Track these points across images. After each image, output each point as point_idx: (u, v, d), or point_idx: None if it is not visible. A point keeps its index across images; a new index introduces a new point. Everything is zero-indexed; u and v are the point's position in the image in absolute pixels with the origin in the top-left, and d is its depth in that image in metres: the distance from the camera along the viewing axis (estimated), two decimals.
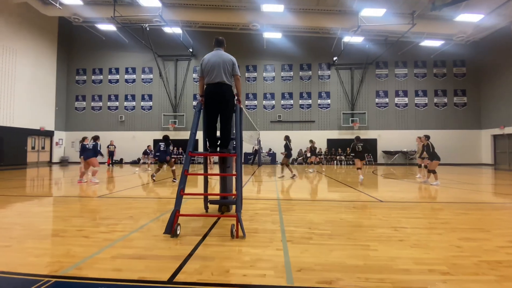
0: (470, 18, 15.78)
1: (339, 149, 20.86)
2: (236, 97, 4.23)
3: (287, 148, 10.99)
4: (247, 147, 19.57)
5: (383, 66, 21.40)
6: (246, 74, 21.92)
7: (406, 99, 21.14)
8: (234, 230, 3.30)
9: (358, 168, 9.47)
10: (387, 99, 21.28)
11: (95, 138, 9.28)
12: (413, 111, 21.01)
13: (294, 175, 10.84)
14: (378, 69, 21.44)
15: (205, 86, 4.09)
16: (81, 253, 2.80)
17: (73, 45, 22.71)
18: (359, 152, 9.40)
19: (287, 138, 11.09)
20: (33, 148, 19.62)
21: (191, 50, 21.51)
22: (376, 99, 21.36)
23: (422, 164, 10.63)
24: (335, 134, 21.42)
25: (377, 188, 8.34)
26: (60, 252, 2.84)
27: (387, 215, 4.50)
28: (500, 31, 18.05)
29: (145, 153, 16.21)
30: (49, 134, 20.92)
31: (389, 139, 20.84)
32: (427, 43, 19.27)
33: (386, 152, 20.83)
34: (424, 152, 9.37)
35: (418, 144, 10.68)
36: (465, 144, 20.44)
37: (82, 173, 8.97)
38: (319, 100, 21.59)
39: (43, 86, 20.22)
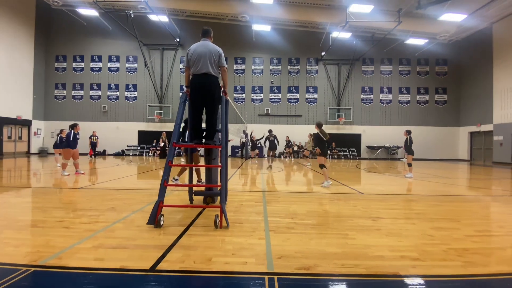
0: (453, 18, 16.26)
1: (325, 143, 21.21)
2: (222, 89, 4.22)
3: (269, 141, 11.96)
4: (235, 140, 19.55)
5: (369, 63, 21.77)
6: (235, 66, 21.73)
7: (390, 95, 21.68)
8: (218, 220, 3.35)
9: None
10: (372, 95, 21.75)
11: (72, 127, 8.74)
12: (396, 107, 21.61)
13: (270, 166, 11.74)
14: (364, 66, 21.80)
15: (191, 77, 4.05)
16: (61, 243, 2.76)
17: (52, 30, 21.61)
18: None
19: (269, 132, 11.74)
20: (9, 138, 18.75)
21: (178, 39, 21.01)
22: (362, 95, 21.78)
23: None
24: None
25: (359, 181, 8.60)
26: (39, 243, 2.80)
27: (366, 206, 4.69)
28: (481, 32, 18.72)
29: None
30: (27, 124, 20.03)
31: (372, 134, 21.40)
32: (412, 41, 19.74)
33: (369, 147, 21.40)
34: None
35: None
36: (444, 140, 21.31)
37: (64, 165, 8.60)
38: (306, 95, 21.77)
39: (19, 73, 19.20)
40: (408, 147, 9.39)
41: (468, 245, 2.91)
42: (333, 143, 20.72)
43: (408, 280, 2.15)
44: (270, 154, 12.30)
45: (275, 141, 12.28)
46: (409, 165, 9.42)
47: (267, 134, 12.75)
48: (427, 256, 2.58)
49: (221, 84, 4.23)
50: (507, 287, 2.19)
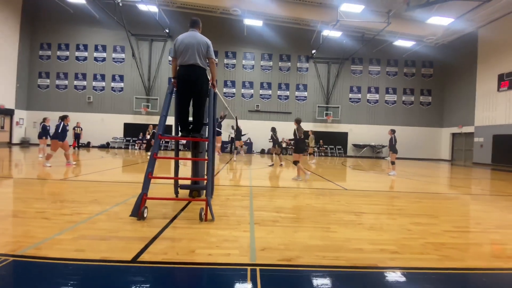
0: (440, 21, 16.66)
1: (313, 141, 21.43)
2: (210, 82, 4.18)
3: (273, 139, 11.35)
4: (224, 136, 19.42)
5: (358, 62, 22.07)
6: (225, 60, 21.53)
7: (377, 95, 22.10)
8: (203, 213, 3.34)
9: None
10: (359, 95, 22.09)
11: (62, 118, 8.43)
12: (382, 107, 22.06)
13: (273, 164, 11.34)
14: (354, 65, 22.09)
15: (177, 68, 3.98)
16: (41, 233, 2.70)
17: (38, 17, 20.70)
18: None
19: (273, 130, 11.33)
20: None
21: (167, 31, 20.58)
22: (350, 94, 22.09)
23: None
24: (309, 127, 21.87)
25: (344, 178, 8.77)
26: (19, 233, 2.73)
27: (349, 202, 4.79)
28: (466, 36, 19.28)
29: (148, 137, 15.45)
30: (9, 113, 19.21)
31: (359, 133, 21.79)
32: (400, 43, 20.12)
33: (355, 145, 21.80)
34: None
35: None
36: (427, 140, 21.97)
37: (49, 156, 8.25)
38: (296, 92, 21.88)
39: (3, 60, 18.34)
40: (392, 146, 9.63)
41: (446, 240, 3.03)
42: (321, 141, 21.01)
43: (386, 272, 2.22)
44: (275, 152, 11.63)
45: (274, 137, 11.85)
46: (393, 163, 9.69)
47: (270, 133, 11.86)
48: (405, 250, 2.67)
49: (209, 76, 4.19)
50: (482, 281, 2.29)
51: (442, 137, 22.05)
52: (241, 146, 15.04)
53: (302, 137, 7.24)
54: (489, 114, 17.79)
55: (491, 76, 17.71)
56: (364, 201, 4.97)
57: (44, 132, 10.41)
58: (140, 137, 19.88)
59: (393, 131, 9.79)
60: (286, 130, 20.82)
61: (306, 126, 21.77)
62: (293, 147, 7.31)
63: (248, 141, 20.79)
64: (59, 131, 8.23)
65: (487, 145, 17.65)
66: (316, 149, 14.55)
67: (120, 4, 16.94)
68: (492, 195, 6.64)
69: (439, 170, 13.17)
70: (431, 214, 4.23)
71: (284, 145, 20.57)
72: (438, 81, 22.12)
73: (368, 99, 22.04)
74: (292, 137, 7.60)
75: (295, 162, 7.29)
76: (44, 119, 10.36)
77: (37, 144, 19.60)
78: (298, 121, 7.36)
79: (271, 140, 11.75)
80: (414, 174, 10.22)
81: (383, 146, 21.00)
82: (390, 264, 2.35)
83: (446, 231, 3.36)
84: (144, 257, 2.28)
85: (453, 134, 21.24)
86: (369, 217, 3.85)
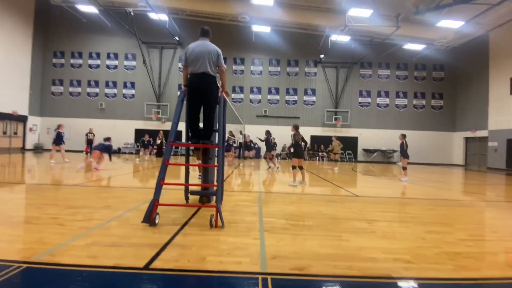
0: (450, 25, 16.44)
1: (322, 146, 21.31)
2: (220, 89, 4.22)
3: (266, 142, 11.52)
4: (232, 141, 19.51)
5: (367, 66, 21.91)
6: (234, 66, 21.74)
7: (388, 99, 21.83)
8: (213, 220, 3.35)
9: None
10: (369, 99, 21.88)
11: (107, 139, 9.28)
12: (393, 111, 21.75)
13: (269, 167, 11.47)
14: (363, 69, 21.93)
15: (188, 76, 4.05)
16: (54, 240, 2.75)
17: (51, 26, 21.48)
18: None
19: (267, 133, 11.47)
20: (4, 133, 18.57)
21: (177, 38, 20.98)
22: (359, 98, 21.90)
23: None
24: (318, 131, 21.81)
25: (355, 183, 8.64)
26: (33, 239, 2.78)
27: (361, 209, 4.71)
28: (477, 39, 18.94)
29: (144, 145, 15.61)
30: (22, 119, 19.84)
31: (369, 137, 21.51)
32: (410, 46, 19.90)
33: (366, 150, 21.51)
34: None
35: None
36: (439, 145, 21.49)
37: (90, 163, 8.87)
38: (304, 97, 21.85)
39: (16, 68, 19.03)
40: (403, 151, 9.45)
41: (461, 249, 2.94)
42: (330, 145, 20.79)
43: (400, 283, 2.17)
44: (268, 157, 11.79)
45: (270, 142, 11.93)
46: (404, 168, 9.48)
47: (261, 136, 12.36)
48: (419, 259, 2.60)
49: (219, 84, 4.24)
50: None
51: (455, 141, 21.54)
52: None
53: (300, 142, 7.44)
54: (503, 118, 17.32)
55: (503, 80, 17.30)
56: (376, 208, 4.88)
57: (58, 139, 10.75)
58: (140, 141, 18.90)
59: (403, 136, 9.61)
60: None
61: (315, 130, 21.75)
62: (292, 153, 7.56)
63: (256, 145, 20.81)
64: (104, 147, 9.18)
65: (501, 150, 17.15)
66: (337, 155, 13.35)
67: (132, 13, 17.40)
68: (508, 201, 6.42)
69: (452, 176, 12.85)
70: (445, 222, 4.11)
71: (284, 152, 20.46)
72: (449, 84, 21.71)
73: (378, 103, 21.80)
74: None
75: (293, 167, 7.43)
76: (59, 126, 10.70)
77: (50, 150, 20.21)
78: (296, 127, 7.56)
79: (264, 142, 11.94)
80: (427, 180, 9.99)
81: (394, 151, 20.64)
82: (405, 274, 2.29)
83: (461, 239, 3.26)
84: (156, 264, 2.30)
85: (466, 139, 20.72)
86: (382, 225, 3.78)
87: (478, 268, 2.49)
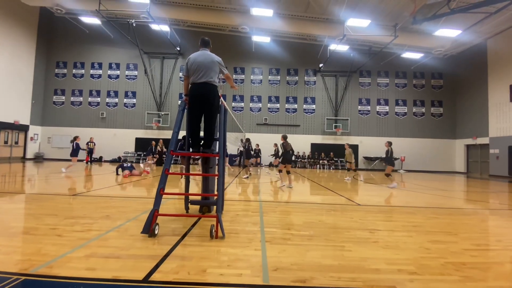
0: (448, 33, 16.64)
1: (322, 154, 21.27)
2: (221, 98, 4.25)
3: (246, 149, 11.75)
4: (232, 149, 19.53)
5: (366, 75, 22.09)
6: (234, 76, 21.94)
7: (387, 107, 21.91)
8: (213, 230, 3.30)
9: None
10: (369, 107, 21.97)
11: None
12: (393, 119, 21.80)
13: (247, 176, 11.18)
14: (362, 78, 22.11)
15: (190, 86, 4.08)
16: (53, 251, 2.71)
17: (54, 37, 21.82)
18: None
19: (247, 140, 11.61)
20: (5, 142, 18.62)
21: (178, 48, 21.27)
22: (359, 106, 21.99)
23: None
24: (318, 139, 21.82)
25: (356, 192, 8.58)
26: (31, 251, 2.74)
27: (363, 218, 4.66)
28: (475, 47, 19.15)
29: (152, 153, 15.57)
30: (24, 129, 19.93)
31: (369, 145, 21.49)
32: (408, 55, 20.11)
33: (366, 158, 21.45)
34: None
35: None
36: (440, 152, 21.43)
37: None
38: (304, 105, 21.96)
39: (19, 78, 19.25)
40: (388, 158, 9.50)
41: (466, 259, 2.89)
42: (331, 153, 20.82)
43: None
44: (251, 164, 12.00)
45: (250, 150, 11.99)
46: (388, 175, 9.51)
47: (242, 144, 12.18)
48: (424, 270, 2.55)
49: (220, 93, 4.26)
50: None
51: (456, 148, 21.50)
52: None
53: (288, 150, 8.59)
54: (503, 125, 17.34)
55: (503, 87, 17.40)
56: (378, 217, 4.82)
57: (76, 151, 10.91)
58: (149, 149, 19.07)
59: (389, 143, 9.71)
60: (293, 143, 20.74)
61: (315, 138, 21.75)
62: (280, 159, 8.87)
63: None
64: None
65: (503, 157, 17.08)
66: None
67: (134, 25, 17.69)
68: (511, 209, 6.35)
69: (454, 183, 12.76)
70: (449, 231, 4.05)
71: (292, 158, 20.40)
72: (449, 92, 21.83)
73: (377, 111, 21.88)
74: (281, 150, 8.83)
75: (280, 171, 8.89)
76: (75, 138, 10.78)
77: (52, 159, 20.21)
78: (284, 137, 8.71)
79: (243, 149, 12.05)
80: (428, 188, 9.92)
81: (396, 159, 20.56)
82: (409, 286, 2.24)
83: (466, 249, 3.20)
84: (156, 276, 2.25)
85: (468, 146, 20.68)
86: (384, 234, 3.72)
87: (484, 279, 2.44)
